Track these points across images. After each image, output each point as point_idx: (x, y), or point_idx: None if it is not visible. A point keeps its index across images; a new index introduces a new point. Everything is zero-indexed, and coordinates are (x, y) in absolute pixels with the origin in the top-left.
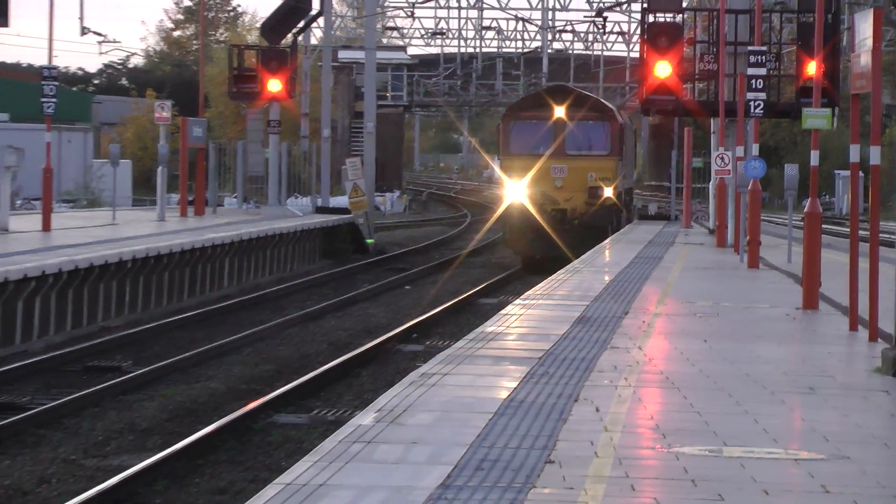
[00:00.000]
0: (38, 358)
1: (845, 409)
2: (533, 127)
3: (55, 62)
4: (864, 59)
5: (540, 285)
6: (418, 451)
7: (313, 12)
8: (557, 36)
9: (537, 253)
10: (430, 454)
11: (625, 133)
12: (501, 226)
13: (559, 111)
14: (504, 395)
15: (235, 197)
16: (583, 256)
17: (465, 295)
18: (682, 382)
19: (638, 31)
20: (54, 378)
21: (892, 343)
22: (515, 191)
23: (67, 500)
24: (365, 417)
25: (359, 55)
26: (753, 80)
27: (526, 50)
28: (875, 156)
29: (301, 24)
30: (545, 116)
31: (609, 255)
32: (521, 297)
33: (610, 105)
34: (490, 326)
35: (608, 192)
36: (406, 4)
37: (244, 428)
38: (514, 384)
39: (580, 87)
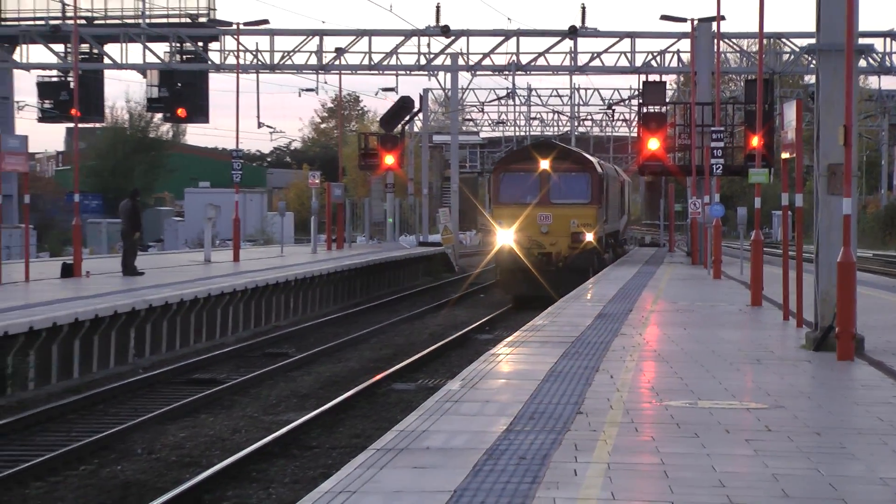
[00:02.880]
0: (231, 347)
1: (781, 374)
2: (521, 178)
3: (240, 146)
4: (790, 134)
5: (572, 293)
6: (490, 407)
7: (415, 109)
8: (581, 123)
9: (526, 292)
10: (497, 409)
11: (606, 183)
12: (493, 268)
13: (544, 164)
14: (547, 367)
15: (364, 236)
16: (599, 273)
17: None
18: (669, 357)
19: (636, 119)
20: (242, 361)
21: (813, 328)
22: (505, 236)
23: (252, 444)
24: (454, 384)
25: (446, 138)
26: (715, 150)
27: (560, 133)
28: (799, 201)
29: (407, 117)
30: (532, 169)
31: (617, 271)
32: (561, 299)
33: (591, 158)
34: (538, 321)
35: (589, 236)
36: (478, 103)
37: (371, 393)
38: (555, 360)
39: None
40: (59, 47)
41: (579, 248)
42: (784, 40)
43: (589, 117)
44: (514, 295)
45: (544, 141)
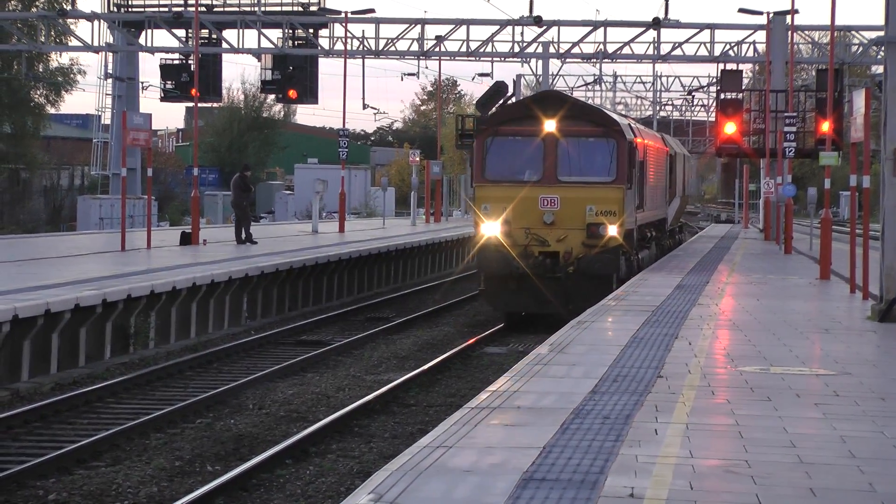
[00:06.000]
0: (337, 312)
1: (848, 343)
2: (516, 145)
3: (347, 126)
4: (859, 120)
5: (653, 265)
6: (577, 370)
7: (509, 94)
8: (662, 108)
9: (521, 308)
10: (584, 372)
11: (642, 154)
12: (477, 273)
13: (549, 125)
14: (630, 334)
15: (460, 210)
16: (680, 246)
17: None
18: (743, 326)
19: (714, 104)
20: (347, 324)
21: (878, 300)
22: (492, 229)
23: (355, 401)
24: (543, 349)
25: None
26: (787, 134)
27: (643, 117)
28: (866, 182)
29: (501, 101)
30: (531, 132)
31: (695, 246)
32: (642, 271)
33: (617, 118)
34: (621, 291)
35: (613, 230)
36: (567, 88)
37: (465, 356)
38: (637, 327)
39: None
40: (181, 32)
41: (598, 247)
42: (853, 32)
43: (670, 102)
44: (505, 311)
45: (550, 92)
